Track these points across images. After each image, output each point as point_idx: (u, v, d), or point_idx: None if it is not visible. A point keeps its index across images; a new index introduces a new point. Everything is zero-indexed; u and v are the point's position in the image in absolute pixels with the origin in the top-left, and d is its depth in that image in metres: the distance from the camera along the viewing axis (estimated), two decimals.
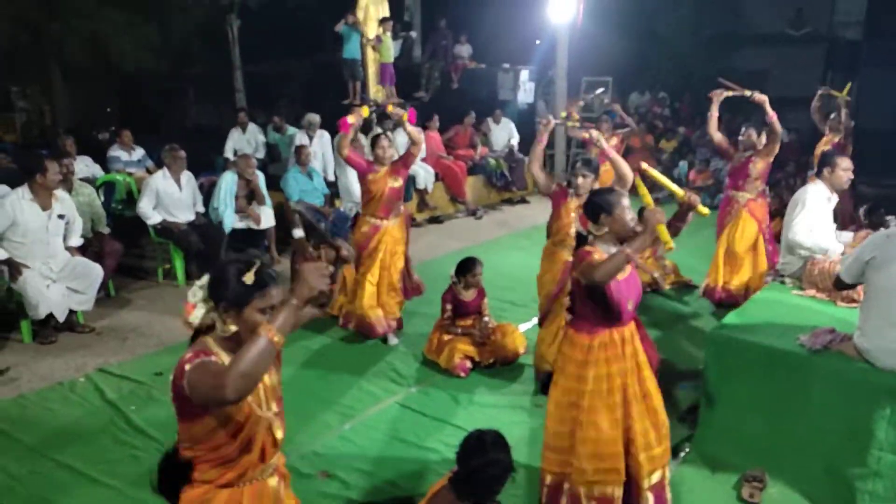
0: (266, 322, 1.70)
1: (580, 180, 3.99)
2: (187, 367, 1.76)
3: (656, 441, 2.82)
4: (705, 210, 2.83)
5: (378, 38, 9.88)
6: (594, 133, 4.24)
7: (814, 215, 3.97)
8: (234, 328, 1.84)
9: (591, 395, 2.74)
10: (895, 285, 2.89)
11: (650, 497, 2.81)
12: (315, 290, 1.70)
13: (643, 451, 2.78)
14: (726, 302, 5.42)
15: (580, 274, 2.65)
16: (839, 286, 3.26)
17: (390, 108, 5.28)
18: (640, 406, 2.79)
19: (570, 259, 3.95)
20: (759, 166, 5.35)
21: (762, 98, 5.13)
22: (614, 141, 6.20)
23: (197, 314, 1.87)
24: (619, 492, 2.76)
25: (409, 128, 4.96)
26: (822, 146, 7.30)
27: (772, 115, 5.11)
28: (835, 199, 4.13)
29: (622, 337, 2.76)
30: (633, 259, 2.51)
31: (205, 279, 1.89)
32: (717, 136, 5.56)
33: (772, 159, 5.40)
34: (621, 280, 2.66)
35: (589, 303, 2.73)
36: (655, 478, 2.83)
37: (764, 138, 5.37)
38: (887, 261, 2.90)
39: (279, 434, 2.00)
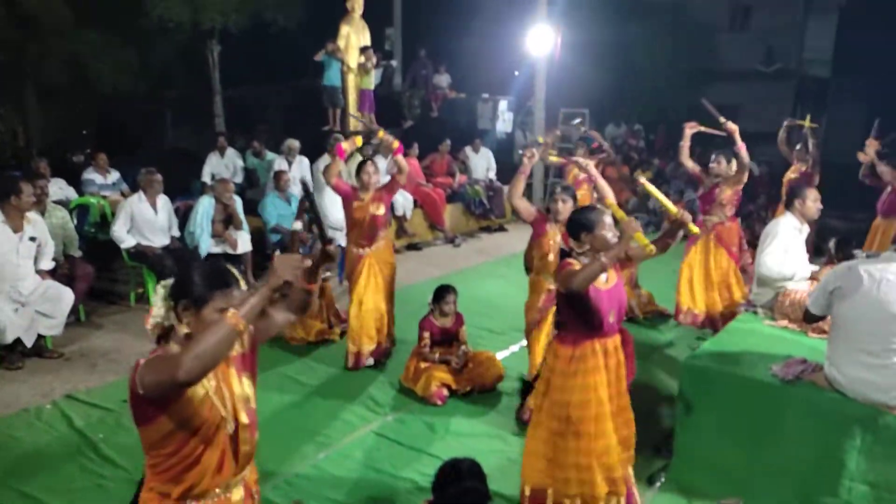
0: (232, 309, 1.68)
1: (559, 205, 4.02)
2: (142, 361, 1.74)
3: (624, 447, 2.95)
4: (696, 228, 2.91)
5: (363, 66, 9.99)
6: (580, 159, 4.43)
7: (784, 246, 4.05)
8: (186, 329, 1.80)
9: (576, 406, 2.81)
10: (858, 315, 2.95)
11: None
12: (281, 279, 1.71)
13: (623, 454, 2.92)
14: (697, 326, 5.53)
15: (560, 283, 2.75)
16: (808, 319, 3.32)
17: (381, 134, 5.30)
18: (615, 421, 2.88)
19: (552, 288, 4.01)
20: (726, 193, 5.47)
21: (733, 127, 5.30)
22: (591, 165, 6.30)
23: (157, 312, 1.84)
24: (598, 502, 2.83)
25: (398, 157, 4.96)
26: (790, 175, 7.51)
27: (740, 144, 5.27)
28: (806, 229, 4.23)
29: (605, 348, 2.84)
30: (607, 267, 2.60)
31: (169, 280, 1.88)
32: (689, 163, 5.74)
33: (740, 188, 5.53)
34: (603, 290, 2.74)
35: (571, 313, 2.82)
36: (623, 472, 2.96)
37: (734, 166, 5.50)
38: (850, 291, 2.97)
39: (245, 447, 1.93)
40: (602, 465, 2.83)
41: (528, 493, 2.94)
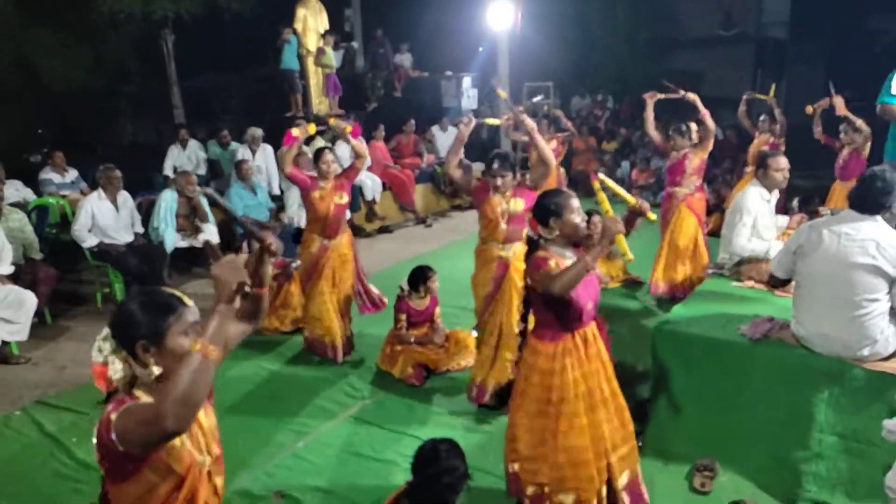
0: (194, 337, 1.57)
1: (499, 181, 3.87)
2: (113, 416, 1.57)
3: (622, 441, 2.84)
4: (653, 216, 2.90)
5: (321, 51, 9.82)
6: (524, 118, 3.98)
7: (752, 221, 4.10)
8: (157, 370, 1.66)
9: (560, 403, 2.71)
10: (820, 271, 3.00)
11: (626, 497, 2.83)
12: (233, 285, 1.58)
13: (613, 453, 2.79)
14: (670, 296, 5.57)
15: (537, 284, 2.62)
16: (774, 283, 3.38)
17: (332, 121, 5.19)
18: (608, 408, 2.80)
19: (503, 255, 3.99)
20: (694, 162, 5.52)
21: (694, 97, 5.35)
22: (554, 143, 6.30)
23: (116, 369, 1.67)
24: (593, 498, 2.76)
25: (353, 141, 4.85)
26: (756, 148, 7.58)
27: (704, 112, 5.31)
28: (774, 197, 4.26)
29: (584, 338, 2.75)
30: (591, 268, 2.49)
31: (105, 331, 1.72)
32: (655, 134, 5.79)
33: (706, 155, 5.58)
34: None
35: (548, 310, 2.70)
36: (626, 478, 2.85)
37: (694, 136, 5.55)
38: (811, 249, 3.02)
39: (219, 482, 1.83)
40: (597, 454, 2.73)
41: (529, 492, 2.83)
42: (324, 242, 4.76)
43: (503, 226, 3.93)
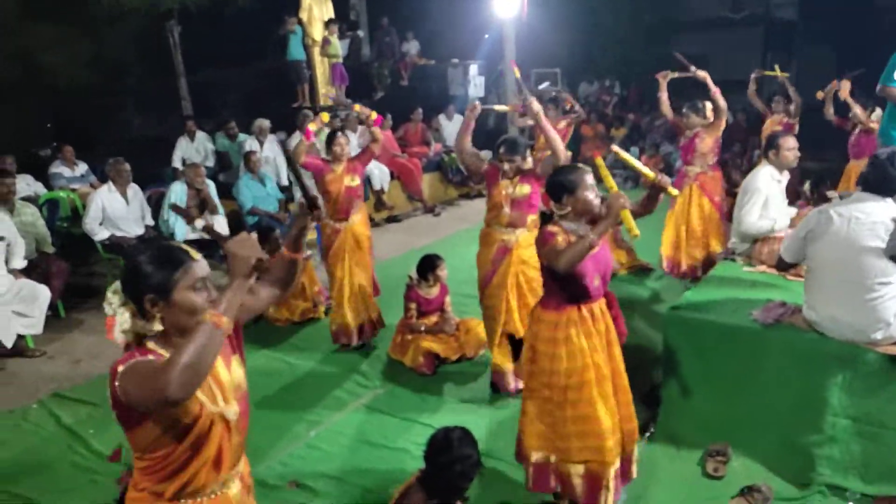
0: (210, 309, 1.57)
1: (507, 167, 3.90)
2: (120, 368, 1.60)
3: (628, 418, 2.86)
4: (674, 191, 2.81)
5: (326, 40, 9.79)
6: (534, 105, 3.92)
7: (762, 201, 4.07)
8: (159, 327, 1.69)
9: (567, 373, 2.71)
10: (830, 255, 2.98)
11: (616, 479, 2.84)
12: (251, 260, 1.59)
13: (625, 425, 2.83)
14: (688, 276, 5.56)
15: (544, 257, 2.65)
16: (781, 266, 3.36)
17: (357, 107, 5.27)
18: (610, 384, 2.79)
19: (505, 238, 3.99)
20: (706, 142, 5.48)
21: (704, 74, 5.31)
22: (562, 125, 6.22)
23: (123, 321, 1.70)
24: (607, 470, 2.75)
25: (375, 128, 4.85)
26: (769, 128, 7.46)
27: (714, 90, 5.27)
28: (785, 178, 4.23)
29: (591, 313, 2.74)
30: (596, 245, 2.47)
31: (115, 285, 1.73)
32: (670, 113, 5.74)
33: (719, 134, 5.52)
34: (588, 256, 2.58)
35: (554, 282, 2.72)
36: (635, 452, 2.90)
37: (709, 114, 5.49)
38: (821, 233, 3.00)
39: (237, 437, 1.84)
40: (606, 430, 2.72)
41: (533, 459, 2.86)
42: (335, 225, 4.79)
43: (507, 210, 3.93)
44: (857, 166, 6.61)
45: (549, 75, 12.63)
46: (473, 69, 12.45)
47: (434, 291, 4.71)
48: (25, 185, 6.89)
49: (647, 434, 3.56)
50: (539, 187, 3.95)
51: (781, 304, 3.36)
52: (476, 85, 12.37)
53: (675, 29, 15.10)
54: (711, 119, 5.48)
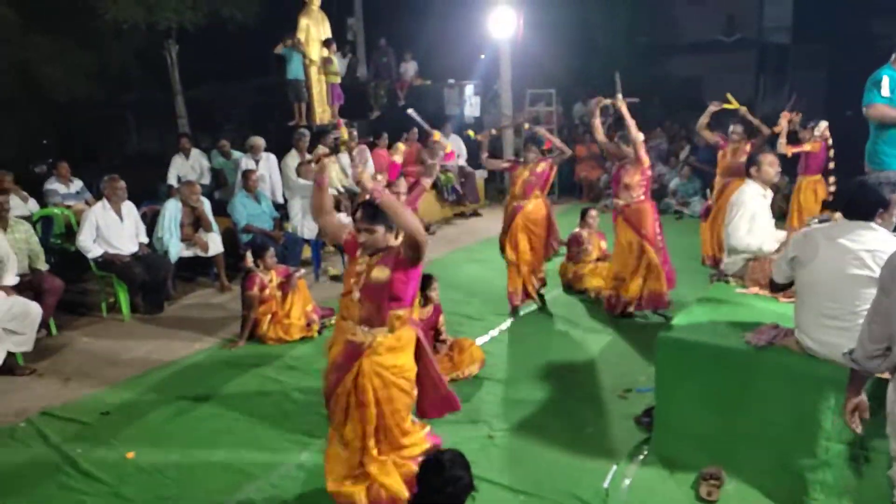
0: None
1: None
2: None
3: None
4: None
5: (328, 60, 9.90)
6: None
7: (750, 215, 4.11)
8: None
9: None
10: (818, 281, 3.00)
11: None
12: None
13: None
14: (621, 312, 5.61)
15: None
16: (773, 288, 3.38)
17: (436, 137, 5.77)
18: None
19: (352, 337, 3.04)
20: (632, 174, 5.43)
21: (621, 104, 5.40)
22: (541, 167, 5.67)
23: None
24: None
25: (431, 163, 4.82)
26: (728, 158, 6.82)
27: (630, 122, 5.30)
28: (769, 194, 4.29)
29: None
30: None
31: None
32: (604, 139, 5.75)
33: (645, 166, 5.42)
34: None
35: None
36: None
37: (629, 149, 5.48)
38: (808, 259, 3.01)
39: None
40: None
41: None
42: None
43: (356, 296, 2.96)
44: (805, 181, 7.30)
45: (544, 95, 12.73)
46: (469, 89, 12.56)
47: (427, 311, 4.70)
48: (20, 201, 6.87)
49: (640, 457, 3.54)
50: (412, 277, 3.00)
51: (774, 327, 3.36)
52: (472, 105, 12.47)
53: (670, 51, 15.27)
54: (630, 152, 5.43)
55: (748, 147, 6.50)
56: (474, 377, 4.60)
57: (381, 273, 2.87)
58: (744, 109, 6.81)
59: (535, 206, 5.69)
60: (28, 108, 12.81)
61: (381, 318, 2.91)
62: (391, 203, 2.76)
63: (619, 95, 5.45)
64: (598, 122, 5.73)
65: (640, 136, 5.37)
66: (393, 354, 2.91)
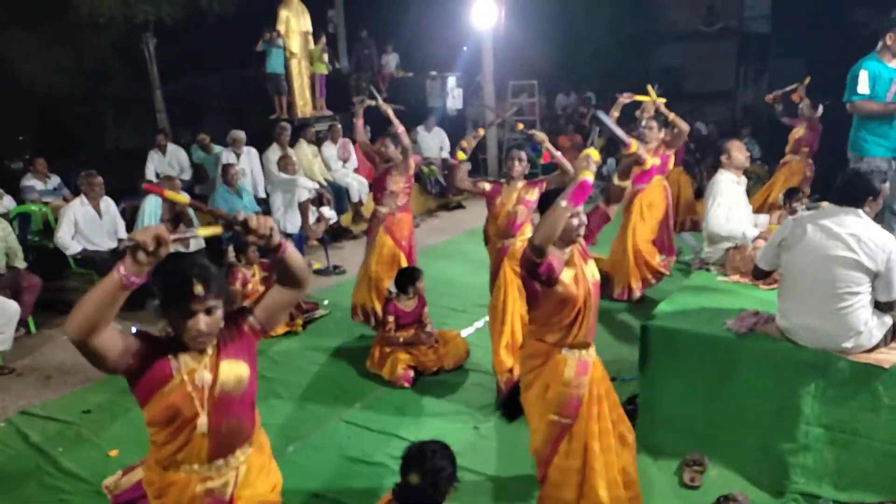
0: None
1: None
2: None
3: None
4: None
5: (324, 49, 9.90)
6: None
7: (727, 202, 4.16)
8: None
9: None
10: (803, 264, 3.03)
11: None
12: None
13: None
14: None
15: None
16: (757, 274, 3.40)
17: (520, 126, 5.34)
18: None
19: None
20: (396, 181, 5.04)
21: (387, 110, 5.13)
22: (534, 194, 5.27)
23: None
24: None
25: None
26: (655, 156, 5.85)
27: (400, 128, 5.07)
28: (743, 181, 4.38)
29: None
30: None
31: None
32: (364, 139, 5.42)
33: (410, 174, 5.11)
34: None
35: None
36: None
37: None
38: (795, 242, 3.05)
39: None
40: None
41: None
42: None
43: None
44: (790, 160, 7.49)
45: (526, 87, 12.73)
46: (451, 81, 12.52)
47: (412, 304, 4.70)
48: None
49: None
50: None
51: (755, 314, 3.39)
52: (454, 97, 12.44)
53: (652, 41, 15.31)
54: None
55: (662, 150, 5.72)
56: (459, 368, 4.60)
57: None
58: (660, 101, 5.75)
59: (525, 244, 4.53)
60: (5, 103, 12.58)
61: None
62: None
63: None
64: (360, 122, 5.37)
65: (406, 141, 5.09)
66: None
